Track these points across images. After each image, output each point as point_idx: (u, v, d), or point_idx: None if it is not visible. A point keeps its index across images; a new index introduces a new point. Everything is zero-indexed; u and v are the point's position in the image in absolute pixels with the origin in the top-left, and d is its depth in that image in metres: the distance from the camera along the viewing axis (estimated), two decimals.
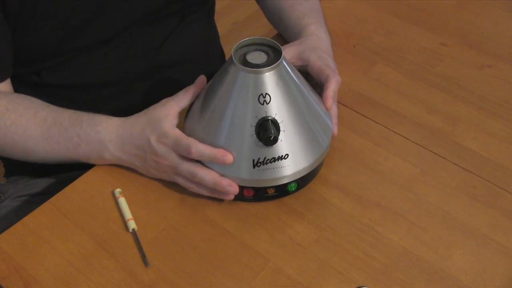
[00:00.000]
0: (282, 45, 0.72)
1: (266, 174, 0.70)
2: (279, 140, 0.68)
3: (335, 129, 0.77)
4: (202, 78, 0.76)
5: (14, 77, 0.83)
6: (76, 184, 0.77)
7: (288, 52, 0.80)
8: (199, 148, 0.69)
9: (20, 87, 0.83)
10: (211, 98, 0.71)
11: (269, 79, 0.67)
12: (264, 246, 0.70)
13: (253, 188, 0.72)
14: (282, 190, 0.73)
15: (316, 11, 0.92)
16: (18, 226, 0.73)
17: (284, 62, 0.69)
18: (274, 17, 0.97)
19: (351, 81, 0.93)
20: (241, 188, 0.72)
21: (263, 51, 0.70)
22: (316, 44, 0.83)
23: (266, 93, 0.67)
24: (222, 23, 0.95)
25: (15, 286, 0.67)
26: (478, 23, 1.06)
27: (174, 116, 0.73)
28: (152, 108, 0.75)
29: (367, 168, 0.79)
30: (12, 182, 0.97)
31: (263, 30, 1.01)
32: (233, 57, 0.68)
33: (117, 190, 0.75)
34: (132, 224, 0.71)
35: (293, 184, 0.72)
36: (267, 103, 0.67)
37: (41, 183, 0.93)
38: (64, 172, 0.89)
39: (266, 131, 0.67)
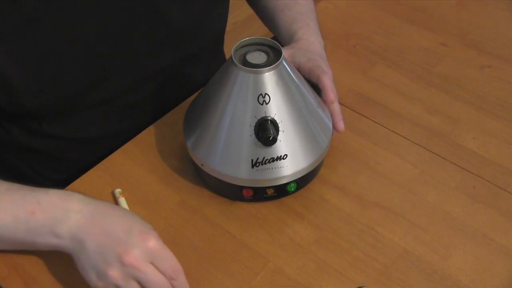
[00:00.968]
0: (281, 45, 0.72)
1: (265, 174, 0.70)
2: (278, 140, 0.68)
3: (341, 125, 0.76)
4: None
5: (14, 120, 0.79)
6: (76, 184, 0.77)
7: None
8: (184, 281, 0.62)
9: (22, 132, 0.80)
10: (211, 97, 0.71)
11: (269, 79, 0.67)
12: (264, 246, 0.70)
13: (252, 188, 0.72)
14: (281, 190, 0.73)
15: (305, 13, 0.91)
16: None
17: (284, 62, 0.69)
18: (267, 23, 0.98)
19: (351, 81, 0.93)
20: (241, 188, 0.72)
21: (263, 51, 0.70)
22: (306, 47, 0.84)
23: (265, 93, 0.67)
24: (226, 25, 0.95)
25: (15, 286, 0.67)
26: (478, 23, 1.06)
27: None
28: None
29: (367, 168, 0.79)
30: None
31: (263, 30, 1.01)
32: (233, 57, 0.68)
33: (117, 190, 0.75)
34: None
35: (292, 184, 0.72)
36: (266, 103, 0.67)
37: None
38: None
39: (265, 131, 0.66)
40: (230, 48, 0.70)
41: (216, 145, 0.70)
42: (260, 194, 0.73)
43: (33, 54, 0.70)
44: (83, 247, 0.60)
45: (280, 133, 0.68)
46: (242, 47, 0.71)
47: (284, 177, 0.71)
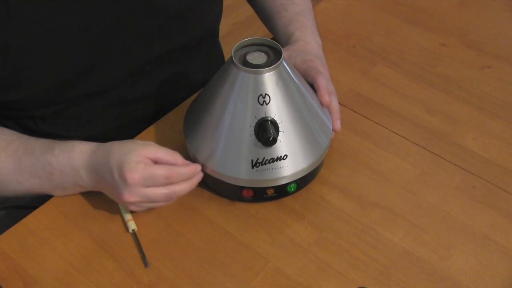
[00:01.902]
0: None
1: (265, 174, 0.70)
2: (278, 141, 0.68)
3: (337, 124, 0.76)
4: (197, 168, 0.71)
5: (11, 118, 0.81)
6: None
7: None
8: (179, 173, 0.68)
9: (20, 131, 0.79)
10: (211, 98, 0.71)
11: (269, 80, 0.67)
12: (264, 247, 0.70)
13: (252, 188, 0.71)
14: (281, 191, 0.73)
15: (302, 13, 0.91)
16: (18, 227, 0.73)
17: (284, 63, 0.69)
18: (266, 24, 0.98)
19: (351, 82, 0.93)
20: (241, 188, 0.72)
21: (263, 52, 0.70)
22: (302, 48, 0.84)
23: (265, 94, 0.67)
24: (222, 23, 0.95)
25: (15, 286, 0.67)
26: (478, 23, 1.06)
27: (145, 156, 0.68)
28: (129, 140, 0.72)
29: (367, 168, 0.79)
30: None
31: (263, 30, 1.01)
32: (233, 57, 0.68)
33: None
34: (132, 225, 0.71)
35: (292, 185, 0.72)
36: (266, 104, 0.67)
37: None
38: None
39: (265, 131, 0.66)
40: (230, 48, 0.70)
41: (216, 145, 0.70)
42: (260, 195, 0.73)
43: (16, 45, 0.69)
44: (105, 191, 0.72)
45: (280, 133, 0.68)
46: (242, 47, 0.71)
47: (284, 177, 0.71)
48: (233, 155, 0.69)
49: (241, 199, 0.73)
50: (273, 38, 0.93)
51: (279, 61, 0.68)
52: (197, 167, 0.70)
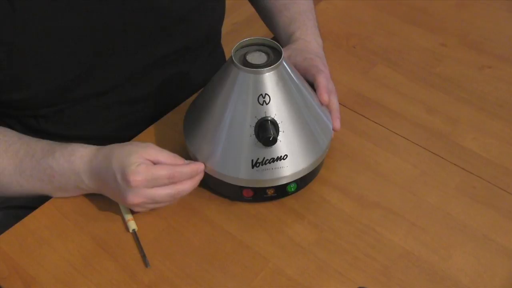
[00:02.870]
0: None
1: (265, 174, 0.70)
2: (278, 141, 0.68)
3: (337, 123, 0.76)
4: (200, 167, 0.71)
5: (14, 117, 0.81)
6: None
7: None
8: (182, 172, 0.68)
9: (23, 129, 0.80)
10: (211, 98, 0.71)
11: (269, 80, 0.67)
12: (264, 247, 0.70)
13: (252, 188, 0.71)
14: (281, 191, 0.73)
15: (303, 13, 0.91)
16: (18, 227, 0.73)
17: (284, 63, 0.69)
18: (267, 23, 0.98)
19: (351, 82, 0.93)
20: (241, 188, 0.72)
21: (263, 52, 0.70)
22: (302, 47, 0.84)
23: (265, 94, 0.67)
24: (223, 24, 0.95)
25: (15, 286, 0.67)
26: (478, 23, 1.06)
27: (146, 157, 0.68)
28: (129, 142, 0.72)
29: (367, 168, 0.79)
30: None
31: (263, 30, 1.01)
32: (233, 57, 0.68)
33: None
34: (132, 225, 0.72)
35: (292, 185, 0.72)
36: (266, 104, 0.67)
37: None
38: None
39: (266, 131, 0.66)
40: (230, 48, 0.70)
41: (216, 145, 0.70)
42: (260, 195, 0.73)
43: (20, 44, 0.70)
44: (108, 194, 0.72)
45: (280, 133, 0.68)
46: (242, 47, 0.71)
47: (284, 177, 0.71)
48: (233, 155, 0.69)
49: (241, 199, 0.73)
50: (274, 38, 0.92)
51: (279, 61, 0.68)
52: (200, 165, 0.71)
